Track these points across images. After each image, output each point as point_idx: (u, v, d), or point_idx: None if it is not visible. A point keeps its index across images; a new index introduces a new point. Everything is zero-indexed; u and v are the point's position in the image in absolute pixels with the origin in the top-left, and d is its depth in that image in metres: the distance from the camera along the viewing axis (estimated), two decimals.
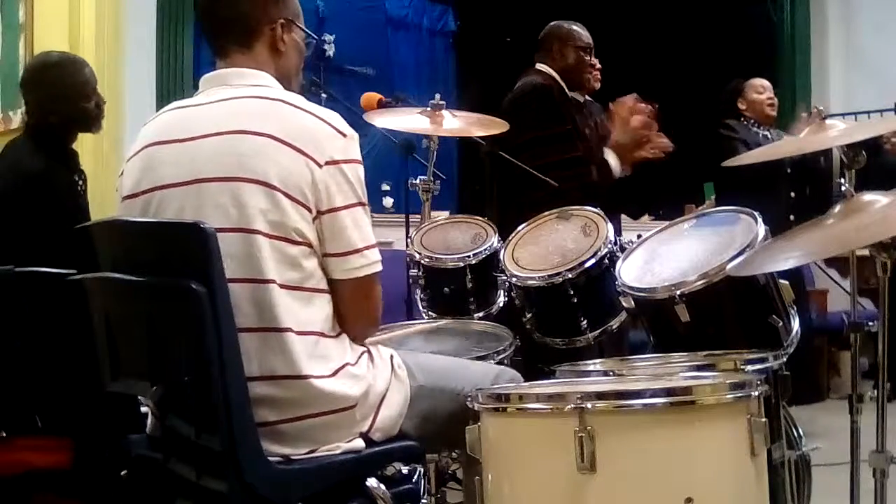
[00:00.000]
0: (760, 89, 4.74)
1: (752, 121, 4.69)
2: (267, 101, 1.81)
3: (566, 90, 3.65)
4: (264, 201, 1.72)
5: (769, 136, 4.65)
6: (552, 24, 3.78)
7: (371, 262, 1.82)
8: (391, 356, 1.94)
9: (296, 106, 1.80)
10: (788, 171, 4.24)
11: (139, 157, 1.87)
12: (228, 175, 1.74)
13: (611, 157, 3.46)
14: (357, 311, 1.86)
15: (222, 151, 1.75)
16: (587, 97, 3.78)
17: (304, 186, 1.74)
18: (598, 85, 3.74)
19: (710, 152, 3.92)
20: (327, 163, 1.75)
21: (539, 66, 3.70)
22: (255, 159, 1.73)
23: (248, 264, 1.71)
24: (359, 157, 1.82)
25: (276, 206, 1.73)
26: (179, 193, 1.78)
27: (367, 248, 1.81)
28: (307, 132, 1.76)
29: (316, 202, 1.75)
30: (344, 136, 1.79)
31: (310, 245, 1.77)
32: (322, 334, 1.78)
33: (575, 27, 3.72)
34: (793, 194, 4.54)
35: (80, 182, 3.31)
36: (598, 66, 3.73)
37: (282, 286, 1.74)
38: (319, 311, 1.79)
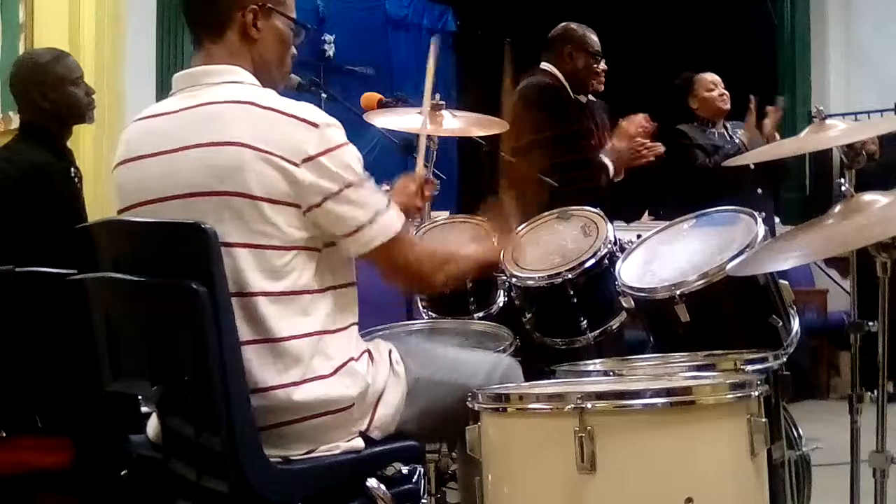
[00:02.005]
0: (711, 86, 4.65)
1: (704, 120, 4.65)
2: (237, 104, 1.77)
3: (570, 92, 3.65)
4: (247, 213, 1.71)
5: (725, 133, 4.63)
6: (564, 25, 3.76)
7: (382, 230, 1.79)
8: (389, 351, 1.93)
9: (265, 107, 1.76)
10: (752, 167, 4.23)
11: (123, 170, 1.88)
12: (209, 189, 1.73)
13: (608, 162, 3.46)
14: (393, 275, 1.89)
15: (201, 165, 1.74)
16: (590, 97, 3.78)
17: (285, 188, 1.72)
18: (601, 87, 3.75)
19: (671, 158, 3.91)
20: (304, 161, 1.72)
21: (544, 65, 3.69)
22: (234, 171, 1.71)
23: (232, 278, 1.70)
24: (338, 141, 1.77)
25: (260, 217, 1.72)
26: (164, 208, 1.78)
27: (372, 218, 1.78)
28: (279, 133, 1.73)
29: (303, 199, 1.74)
30: (316, 126, 1.75)
31: (304, 248, 1.76)
32: (323, 332, 1.78)
33: (587, 32, 3.71)
34: (759, 191, 4.54)
35: (76, 177, 3.33)
36: (605, 68, 3.73)
37: (269, 296, 1.73)
38: (319, 311, 1.78)
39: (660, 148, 3.53)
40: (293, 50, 1.99)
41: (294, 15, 1.96)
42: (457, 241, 1.99)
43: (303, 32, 2.00)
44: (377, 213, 1.80)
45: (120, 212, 1.88)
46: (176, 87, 1.88)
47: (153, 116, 1.87)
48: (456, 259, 2.01)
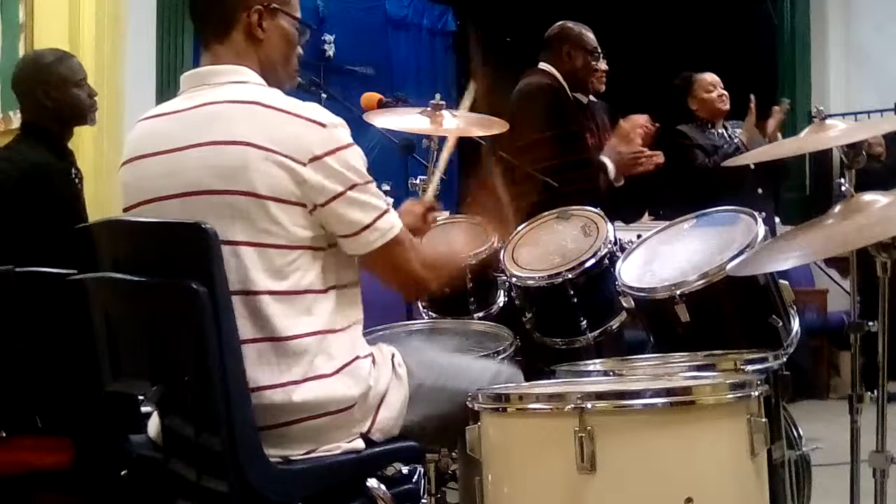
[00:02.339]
0: (710, 87, 4.64)
1: (704, 120, 4.66)
2: (242, 104, 1.78)
3: (569, 92, 3.65)
4: (253, 212, 1.72)
5: (724, 133, 4.63)
6: (561, 24, 3.75)
7: (383, 232, 1.81)
8: (392, 355, 1.93)
9: (270, 106, 1.77)
10: (752, 167, 4.23)
11: (127, 169, 1.88)
12: (213, 188, 1.73)
13: (609, 164, 3.45)
14: (391, 278, 1.89)
15: (205, 164, 1.74)
16: (591, 97, 3.77)
17: (292, 187, 1.72)
18: (602, 88, 3.74)
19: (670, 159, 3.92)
20: (310, 160, 1.73)
21: (542, 65, 3.69)
22: (239, 170, 1.71)
23: (237, 277, 1.70)
24: (344, 141, 1.78)
25: (266, 216, 1.72)
26: (167, 207, 1.78)
27: (375, 220, 1.80)
28: (285, 133, 1.74)
29: (309, 198, 1.74)
30: (323, 125, 1.76)
31: (309, 247, 1.77)
32: (327, 331, 1.78)
33: (584, 30, 3.70)
34: (760, 191, 4.54)
35: (77, 178, 3.34)
36: (606, 68, 3.72)
37: (274, 294, 1.73)
38: (323, 310, 1.78)
39: (660, 158, 3.53)
40: (299, 50, 1.99)
41: (299, 14, 1.96)
42: (451, 240, 2.01)
43: (308, 32, 2.00)
44: (379, 216, 1.81)
45: (125, 210, 1.89)
46: (182, 87, 1.89)
47: (158, 116, 1.88)
48: (451, 260, 2.04)
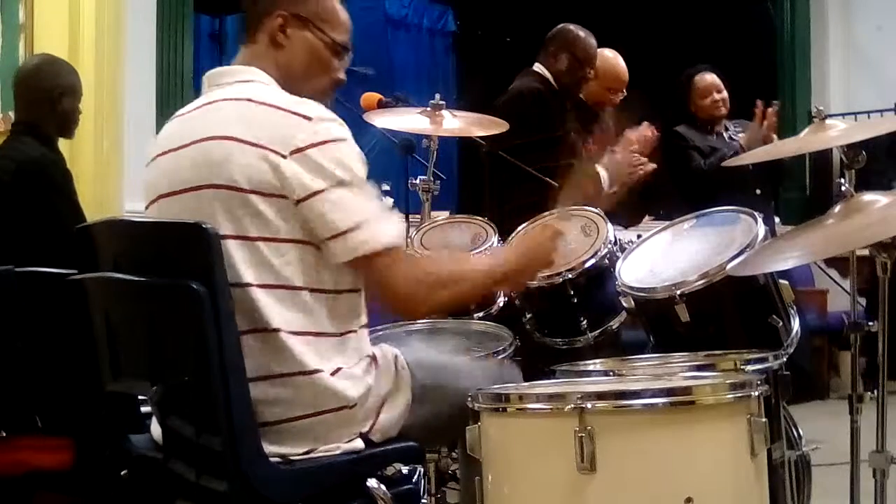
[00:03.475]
0: (705, 94, 4.62)
1: (704, 122, 4.66)
2: (236, 101, 1.79)
3: (561, 94, 3.64)
4: (236, 205, 1.71)
5: (724, 135, 4.63)
6: (562, 26, 3.73)
7: (366, 241, 1.73)
8: (395, 357, 1.92)
9: (262, 102, 1.77)
10: (751, 168, 4.22)
11: (145, 173, 1.91)
12: (200, 183, 1.75)
13: (603, 174, 3.45)
14: (378, 290, 1.82)
15: (195, 161, 1.76)
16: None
17: (273, 180, 1.70)
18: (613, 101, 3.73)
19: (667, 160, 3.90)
20: (292, 152, 1.71)
21: (536, 66, 3.69)
22: (224, 164, 1.72)
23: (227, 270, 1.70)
24: (334, 135, 1.75)
25: (250, 209, 1.71)
26: (165, 205, 1.81)
27: (358, 225, 1.73)
28: (268, 126, 1.73)
29: (290, 191, 1.71)
30: (309, 119, 1.74)
31: (299, 242, 1.74)
32: (319, 334, 1.76)
33: (581, 35, 3.67)
34: (758, 191, 4.54)
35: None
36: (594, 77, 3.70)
37: (261, 287, 1.72)
38: (317, 311, 1.76)
39: (650, 166, 3.52)
40: (339, 75, 1.96)
41: (341, 38, 1.93)
42: (466, 253, 1.94)
43: (345, 55, 1.96)
44: (367, 220, 1.74)
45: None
46: (203, 87, 1.92)
47: (177, 117, 1.92)
48: (464, 278, 1.92)
